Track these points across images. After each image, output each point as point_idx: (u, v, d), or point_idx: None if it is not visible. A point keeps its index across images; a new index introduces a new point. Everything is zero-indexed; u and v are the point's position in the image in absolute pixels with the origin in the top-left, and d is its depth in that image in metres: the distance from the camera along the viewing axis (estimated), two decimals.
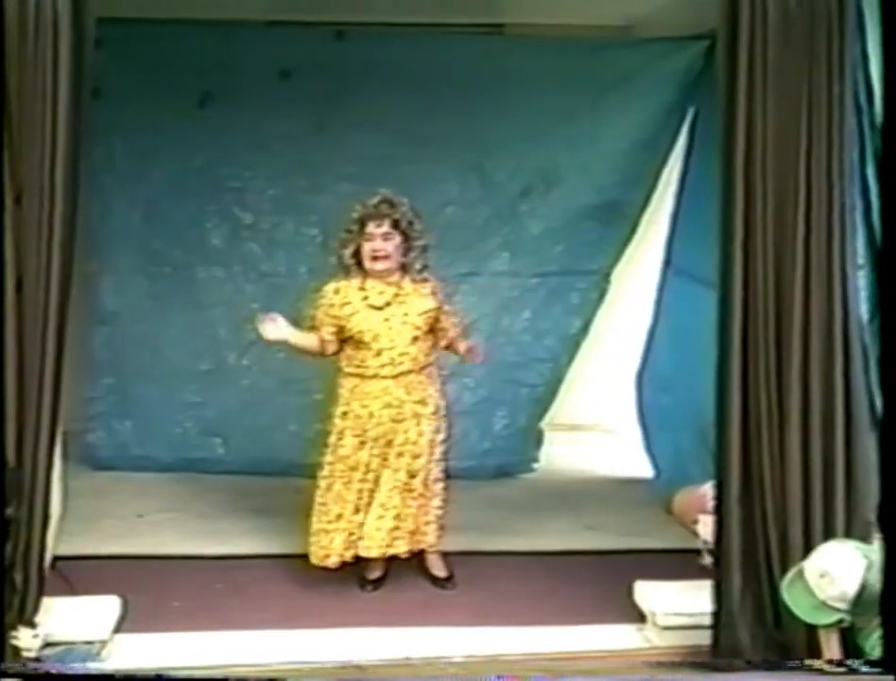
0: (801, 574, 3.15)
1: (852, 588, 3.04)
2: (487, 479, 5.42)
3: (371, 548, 4.14)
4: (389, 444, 4.15)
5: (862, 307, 3.48)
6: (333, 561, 4.16)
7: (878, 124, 3.41)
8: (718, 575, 3.53)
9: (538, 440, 5.80)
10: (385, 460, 4.15)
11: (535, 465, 5.77)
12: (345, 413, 4.18)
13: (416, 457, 4.16)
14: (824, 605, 3.07)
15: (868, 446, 3.39)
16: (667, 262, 5.59)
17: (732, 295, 3.44)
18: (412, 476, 4.16)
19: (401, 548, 4.17)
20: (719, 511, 3.54)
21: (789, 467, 3.41)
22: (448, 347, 4.29)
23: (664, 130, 5.31)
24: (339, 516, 4.16)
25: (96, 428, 5.59)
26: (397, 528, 4.15)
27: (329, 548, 4.16)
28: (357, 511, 4.15)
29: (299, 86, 5.29)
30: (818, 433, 3.41)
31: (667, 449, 5.53)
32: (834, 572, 3.07)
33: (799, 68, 3.36)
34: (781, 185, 3.39)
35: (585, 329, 5.66)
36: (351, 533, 4.16)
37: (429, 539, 4.25)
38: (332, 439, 4.21)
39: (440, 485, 4.27)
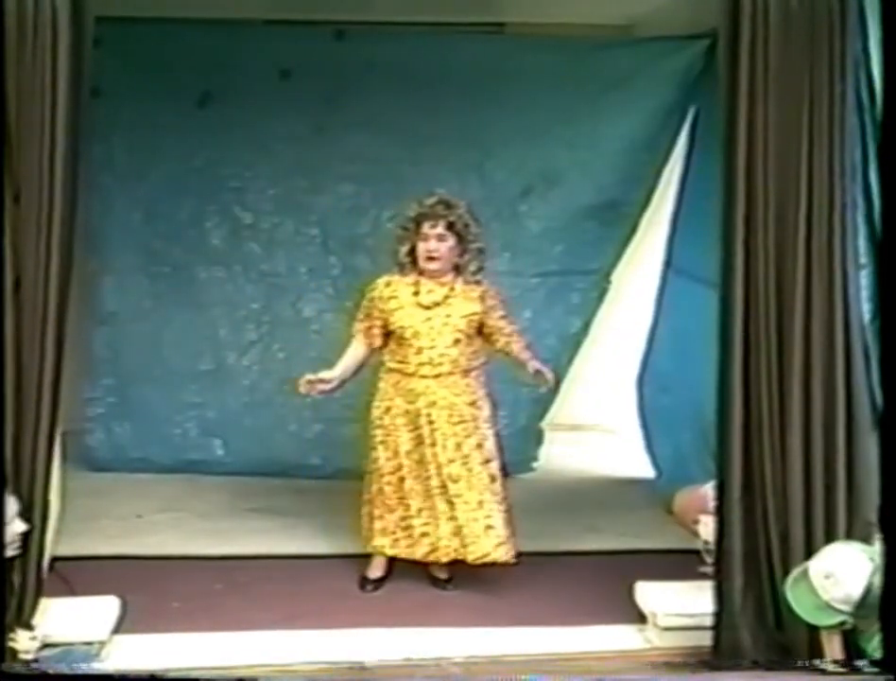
0: (805, 574, 3.14)
1: (856, 591, 3.03)
2: None
3: (477, 553, 4.09)
4: (458, 447, 4.12)
5: (864, 307, 3.47)
6: (419, 555, 4.15)
7: (880, 122, 3.40)
8: (719, 576, 3.52)
9: (538, 439, 5.81)
10: (459, 463, 4.11)
11: (535, 465, 5.76)
12: (388, 409, 4.16)
13: (488, 461, 4.15)
14: (828, 606, 3.06)
15: (869, 447, 3.38)
16: (668, 262, 5.58)
17: (733, 295, 3.43)
18: (493, 480, 4.15)
19: (503, 555, 4.11)
20: (720, 511, 3.54)
21: (790, 467, 3.40)
22: (507, 353, 4.24)
23: (665, 129, 5.30)
24: (420, 511, 4.13)
25: (95, 429, 5.58)
26: (493, 533, 4.10)
27: (412, 540, 4.14)
28: (433, 509, 4.12)
29: (299, 86, 5.28)
30: (819, 433, 3.40)
31: (668, 449, 5.53)
32: (839, 574, 3.06)
33: (800, 67, 3.35)
34: (782, 184, 3.38)
35: (585, 329, 5.66)
36: (424, 535, 4.13)
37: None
38: (379, 435, 4.17)
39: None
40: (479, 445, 4.15)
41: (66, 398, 3.52)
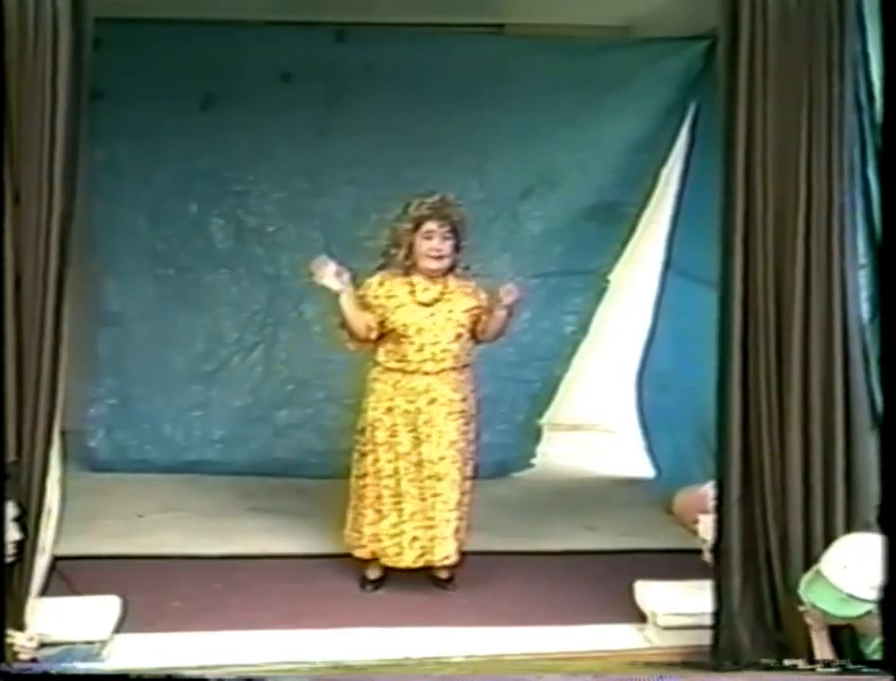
0: (818, 573, 3.12)
1: (877, 576, 3.00)
2: (486, 477, 5.41)
3: (441, 554, 4.11)
4: (452, 444, 4.12)
5: (863, 307, 3.46)
6: (408, 561, 4.14)
7: (879, 122, 3.40)
8: (718, 575, 3.53)
9: (536, 437, 5.82)
10: (449, 461, 4.12)
11: (533, 461, 5.78)
12: (390, 409, 4.13)
13: (473, 456, 4.19)
14: (850, 598, 3.03)
15: (868, 446, 3.38)
16: (668, 262, 5.59)
17: (731, 295, 3.43)
18: (467, 475, 4.19)
19: (456, 558, 4.15)
20: (719, 510, 3.53)
21: (789, 467, 3.40)
22: (482, 334, 4.21)
23: (664, 129, 5.32)
24: (413, 514, 4.13)
25: (97, 430, 5.59)
26: (458, 536, 4.15)
27: (400, 549, 4.14)
28: (425, 511, 4.12)
29: (300, 89, 5.30)
30: (818, 433, 3.40)
31: (667, 449, 5.54)
32: (856, 563, 3.04)
33: (799, 67, 3.35)
34: (781, 184, 3.38)
35: (584, 329, 5.69)
36: (416, 537, 4.13)
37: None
38: (380, 437, 4.15)
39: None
40: (468, 441, 4.16)
41: (69, 398, 3.53)
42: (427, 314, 4.08)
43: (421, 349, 4.09)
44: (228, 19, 5.19)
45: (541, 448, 5.83)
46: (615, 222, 5.47)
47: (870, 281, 3.49)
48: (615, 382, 6.04)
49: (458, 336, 4.12)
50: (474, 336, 4.22)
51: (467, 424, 4.18)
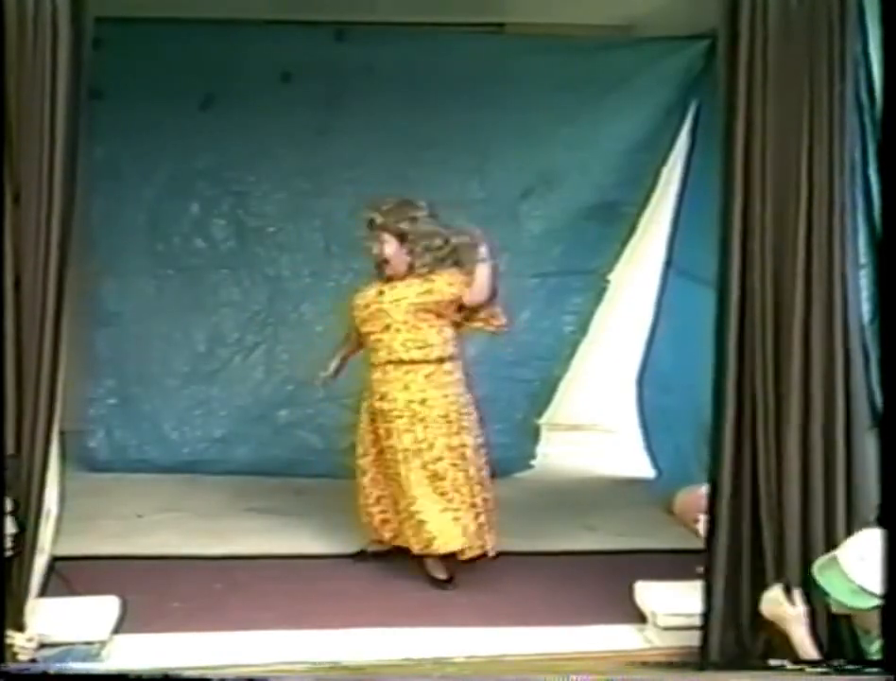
0: (834, 560, 3.11)
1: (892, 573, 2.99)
2: None
3: (441, 546, 4.17)
4: (400, 437, 4.18)
5: (864, 307, 3.46)
6: (386, 537, 4.36)
7: (879, 122, 3.40)
8: (709, 576, 3.51)
9: (535, 437, 5.83)
10: (407, 455, 4.17)
11: (532, 462, 5.78)
12: (363, 399, 4.35)
13: (438, 460, 4.17)
14: (862, 590, 3.03)
15: (868, 446, 3.37)
16: (669, 262, 5.59)
17: (729, 294, 3.43)
18: (440, 478, 4.17)
19: (471, 548, 4.21)
20: (712, 510, 3.51)
21: (788, 467, 3.38)
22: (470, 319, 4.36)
23: (664, 129, 5.32)
24: (377, 500, 4.33)
25: (97, 430, 5.59)
26: (460, 524, 4.18)
27: (381, 524, 4.35)
28: (394, 497, 4.27)
29: (300, 88, 5.30)
30: (818, 433, 3.39)
31: (668, 449, 5.53)
32: (874, 557, 3.03)
33: (799, 66, 3.34)
34: (781, 184, 3.37)
35: (584, 329, 5.70)
36: (384, 521, 4.33)
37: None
38: (356, 420, 4.41)
39: (478, 488, 4.29)
40: (422, 441, 4.17)
41: (69, 398, 3.52)
42: (365, 304, 4.27)
43: (366, 337, 4.28)
44: (227, 18, 5.19)
45: (540, 448, 5.83)
46: (615, 222, 5.47)
47: (871, 281, 3.48)
48: (615, 382, 6.04)
49: (387, 326, 4.18)
50: (464, 313, 4.30)
51: (426, 427, 4.16)
